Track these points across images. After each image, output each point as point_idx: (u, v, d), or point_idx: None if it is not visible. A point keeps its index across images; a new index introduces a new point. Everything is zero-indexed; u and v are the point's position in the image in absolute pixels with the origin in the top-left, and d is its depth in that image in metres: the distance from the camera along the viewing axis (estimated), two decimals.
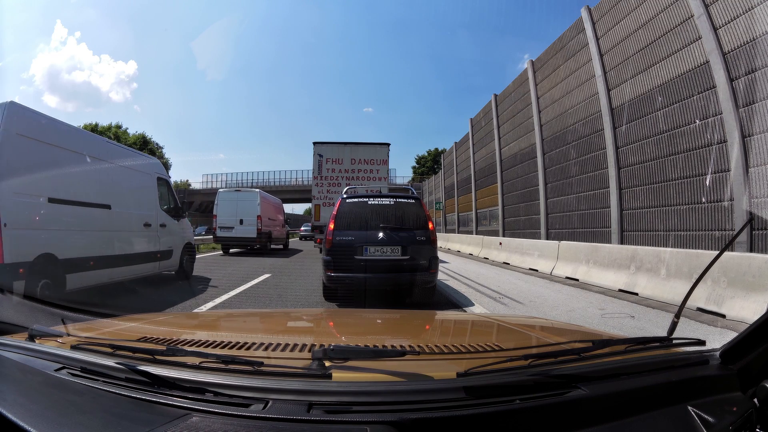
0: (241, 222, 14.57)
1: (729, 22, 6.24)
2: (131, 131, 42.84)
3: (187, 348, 1.07)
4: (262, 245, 14.98)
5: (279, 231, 17.71)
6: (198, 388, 0.83)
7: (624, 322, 4.77)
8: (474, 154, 18.80)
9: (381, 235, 5.15)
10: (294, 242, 25.49)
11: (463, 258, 13.99)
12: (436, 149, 47.48)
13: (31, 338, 1.11)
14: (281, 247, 18.39)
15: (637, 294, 6.14)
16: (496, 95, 16.00)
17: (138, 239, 6.50)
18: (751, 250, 5.72)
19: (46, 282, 4.69)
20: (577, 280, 7.71)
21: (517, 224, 14.00)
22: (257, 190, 16.02)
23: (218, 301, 5.74)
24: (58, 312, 4.72)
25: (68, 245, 5.05)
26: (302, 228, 32.78)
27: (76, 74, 71.76)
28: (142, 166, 6.92)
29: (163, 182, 7.44)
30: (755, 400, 0.81)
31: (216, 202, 14.99)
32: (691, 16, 6.87)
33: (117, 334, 1.44)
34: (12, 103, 4.49)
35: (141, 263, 6.51)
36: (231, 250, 15.41)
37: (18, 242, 4.34)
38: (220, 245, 15.44)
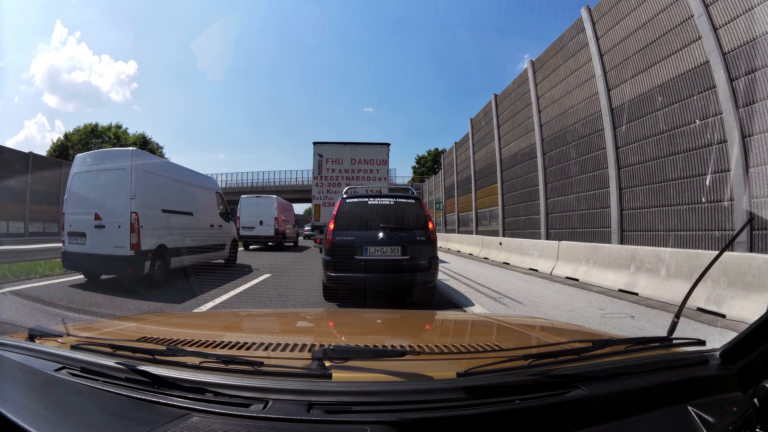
0: (261, 223, 17.24)
1: (729, 22, 6.24)
2: (131, 131, 42.41)
3: (187, 348, 1.07)
4: (278, 242, 17.79)
5: (291, 230, 20.44)
6: (198, 388, 0.83)
7: (624, 322, 4.77)
8: (474, 154, 18.79)
9: (381, 235, 5.14)
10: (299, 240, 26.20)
11: (463, 258, 13.99)
12: (436, 149, 47.44)
13: (31, 338, 1.11)
14: (292, 244, 20.95)
15: (637, 294, 6.13)
16: (496, 95, 15.98)
17: (207, 236, 9.15)
18: (751, 250, 5.72)
19: (160, 263, 7.00)
20: (577, 280, 7.71)
21: (517, 224, 13.99)
22: (274, 195, 18.70)
23: (218, 301, 5.73)
24: (58, 312, 4.77)
25: (172, 239, 7.39)
26: (305, 228, 33.76)
27: (76, 74, 71.50)
28: (207, 185, 9.86)
29: (219, 195, 10.19)
30: (755, 400, 0.81)
31: (239, 206, 17.34)
32: (691, 16, 6.86)
33: (117, 334, 1.45)
34: (136, 150, 7.00)
35: (209, 252, 9.21)
36: (251, 247, 17.77)
37: (147, 237, 6.64)
38: (241, 242, 17.17)
